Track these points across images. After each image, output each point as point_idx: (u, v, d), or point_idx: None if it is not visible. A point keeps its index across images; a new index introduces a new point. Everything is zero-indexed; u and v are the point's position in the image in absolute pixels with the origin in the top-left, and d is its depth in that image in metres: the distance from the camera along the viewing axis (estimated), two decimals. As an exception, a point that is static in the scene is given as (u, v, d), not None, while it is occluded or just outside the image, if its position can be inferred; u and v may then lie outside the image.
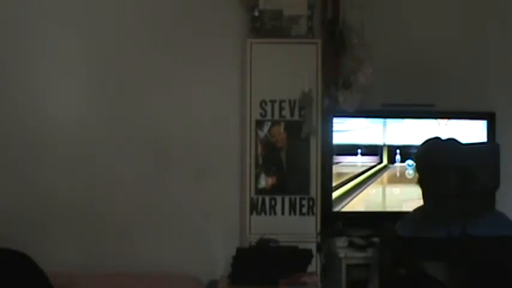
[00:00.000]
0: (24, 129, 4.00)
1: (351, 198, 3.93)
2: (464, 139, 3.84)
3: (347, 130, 3.93)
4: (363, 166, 3.95)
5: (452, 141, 3.11)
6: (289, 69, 3.83)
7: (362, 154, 3.95)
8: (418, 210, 3.07)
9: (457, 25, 4.11)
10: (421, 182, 3.04)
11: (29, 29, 4.00)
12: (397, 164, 3.96)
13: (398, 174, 3.96)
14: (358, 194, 3.94)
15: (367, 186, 3.96)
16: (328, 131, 3.86)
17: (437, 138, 3.16)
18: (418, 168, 3.14)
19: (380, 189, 3.97)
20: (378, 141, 3.97)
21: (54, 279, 3.33)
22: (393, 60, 4.03)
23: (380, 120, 3.94)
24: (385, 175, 3.97)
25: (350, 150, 3.95)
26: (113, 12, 4.01)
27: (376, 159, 3.96)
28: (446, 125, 3.94)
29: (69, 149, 4.01)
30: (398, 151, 3.95)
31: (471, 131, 3.93)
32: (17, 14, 4.00)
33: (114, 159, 4.01)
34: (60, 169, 4.00)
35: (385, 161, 3.97)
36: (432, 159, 2.97)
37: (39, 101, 4.01)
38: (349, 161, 3.93)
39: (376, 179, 3.96)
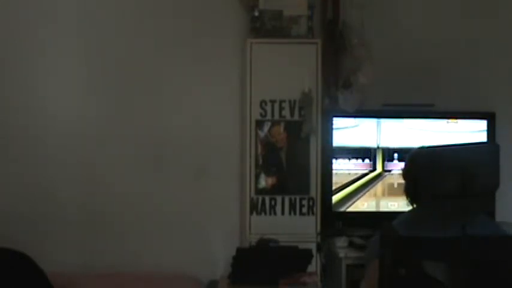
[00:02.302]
0: (24, 129, 4.00)
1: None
2: (464, 139, 3.87)
3: (335, 129, 3.83)
4: (351, 174, 3.82)
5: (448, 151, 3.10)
6: (289, 69, 3.83)
7: (351, 158, 3.82)
8: (414, 210, 3.06)
9: (457, 25, 4.11)
10: (417, 182, 3.02)
11: (28, 29, 4.00)
12: (396, 172, 3.84)
13: (396, 185, 3.82)
14: (347, 208, 3.85)
15: (357, 199, 3.86)
16: (328, 131, 3.86)
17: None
18: (413, 168, 3.10)
19: (373, 203, 3.84)
20: (371, 143, 3.83)
21: (54, 279, 3.33)
22: (393, 60, 4.03)
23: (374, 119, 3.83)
24: (379, 185, 3.86)
25: (336, 153, 3.83)
26: (112, 13, 4.01)
27: (368, 166, 3.85)
28: (457, 122, 3.87)
29: (69, 148, 4.01)
30: (396, 155, 3.86)
31: (471, 131, 3.93)
32: (16, 14, 4.00)
33: (114, 159, 4.02)
34: (60, 169, 4.00)
35: (379, 168, 3.87)
36: (432, 159, 2.97)
37: (39, 100, 4.01)
38: (335, 168, 3.83)
39: (368, 190, 3.83)
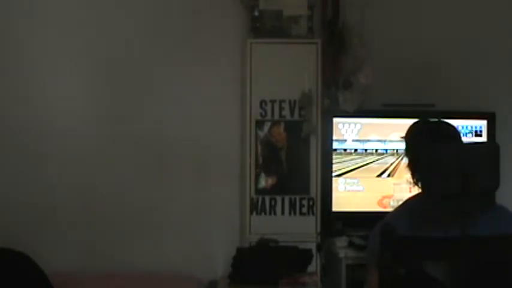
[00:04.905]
0: (23, 129, 4.00)
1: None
2: (464, 139, 3.87)
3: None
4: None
5: (444, 124, 3.09)
6: (289, 69, 3.83)
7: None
8: (412, 208, 3.04)
9: (457, 25, 4.11)
10: (418, 176, 3.01)
11: (29, 28, 4.00)
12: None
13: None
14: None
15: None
16: (328, 131, 3.86)
17: (428, 124, 3.13)
18: (413, 158, 3.08)
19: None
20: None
21: (54, 279, 3.33)
22: (393, 60, 4.03)
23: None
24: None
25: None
26: (113, 13, 4.01)
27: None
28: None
29: (69, 148, 4.01)
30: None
31: (471, 131, 3.93)
32: (17, 14, 4.00)
33: (114, 159, 4.02)
34: (60, 169, 4.00)
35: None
36: (432, 158, 2.95)
37: (39, 101, 4.01)
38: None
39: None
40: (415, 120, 3.59)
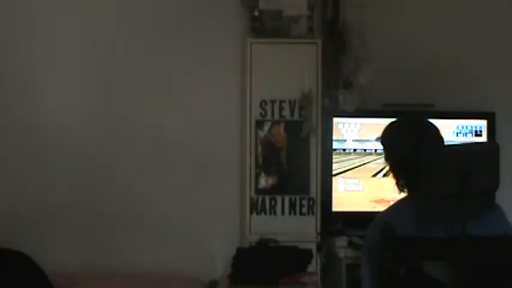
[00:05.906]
0: (24, 129, 4.00)
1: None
2: (464, 139, 3.88)
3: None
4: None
5: (421, 122, 3.05)
6: (289, 69, 3.83)
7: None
8: (411, 208, 3.02)
9: (457, 25, 4.11)
10: (403, 180, 2.97)
11: (30, 28, 4.00)
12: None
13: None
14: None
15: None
16: (328, 131, 3.86)
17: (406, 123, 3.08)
18: (396, 162, 3.01)
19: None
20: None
21: (54, 279, 3.34)
22: (393, 60, 4.03)
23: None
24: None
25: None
26: (113, 13, 4.02)
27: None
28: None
29: (69, 148, 4.01)
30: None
31: (471, 131, 3.93)
32: (18, 14, 4.00)
33: (114, 159, 4.02)
34: (60, 169, 4.00)
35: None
36: (432, 159, 2.95)
37: (39, 100, 4.01)
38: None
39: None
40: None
